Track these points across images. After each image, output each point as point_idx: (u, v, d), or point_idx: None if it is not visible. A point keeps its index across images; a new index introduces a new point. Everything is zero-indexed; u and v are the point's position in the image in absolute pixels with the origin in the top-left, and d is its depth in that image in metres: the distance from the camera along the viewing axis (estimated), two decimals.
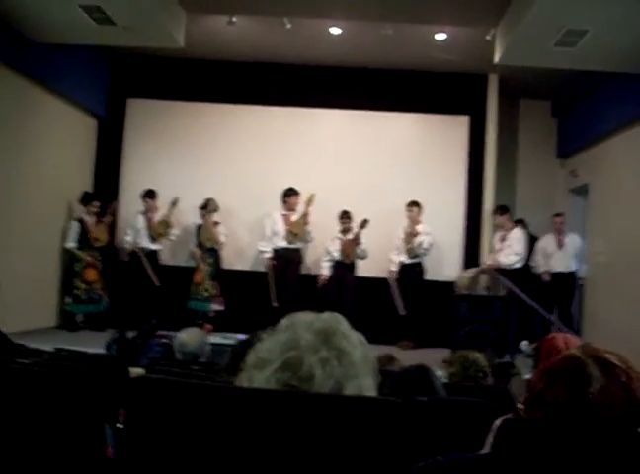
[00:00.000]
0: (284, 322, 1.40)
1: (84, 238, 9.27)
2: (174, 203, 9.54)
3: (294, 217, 9.48)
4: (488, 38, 8.09)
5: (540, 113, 11.06)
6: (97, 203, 9.43)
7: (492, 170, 10.05)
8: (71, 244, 9.23)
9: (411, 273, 9.42)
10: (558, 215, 9.76)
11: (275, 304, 9.31)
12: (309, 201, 9.35)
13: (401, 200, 9.46)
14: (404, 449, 1.25)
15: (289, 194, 9.49)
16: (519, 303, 8.44)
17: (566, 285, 9.50)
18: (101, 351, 6.12)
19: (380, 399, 1.27)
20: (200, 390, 1.29)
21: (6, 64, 7.92)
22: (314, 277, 9.67)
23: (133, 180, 10.14)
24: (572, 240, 9.61)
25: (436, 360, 7.77)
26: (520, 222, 10.42)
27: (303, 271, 9.74)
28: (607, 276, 9.00)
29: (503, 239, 9.40)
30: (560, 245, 9.55)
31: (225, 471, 1.23)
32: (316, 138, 10.24)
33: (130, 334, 6.08)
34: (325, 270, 9.55)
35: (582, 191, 10.33)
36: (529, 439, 1.29)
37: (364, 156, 10.13)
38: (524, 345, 6.19)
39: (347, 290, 9.41)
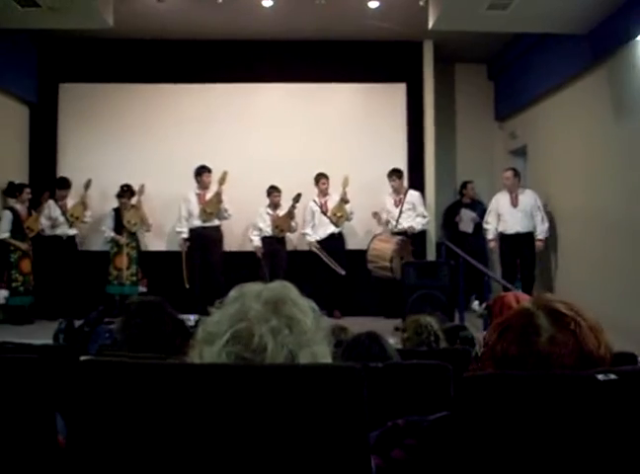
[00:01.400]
0: (232, 293, 1.36)
1: (17, 228, 9.03)
2: (87, 186, 9.53)
3: (208, 196, 9.44)
4: (421, 3, 8.05)
5: (476, 76, 11.13)
6: (28, 190, 9.20)
7: (431, 136, 10.08)
8: (4, 234, 8.96)
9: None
10: (508, 170, 9.35)
11: (187, 286, 9.38)
12: (222, 179, 9.32)
13: (342, 172, 9.44)
14: (364, 416, 1.22)
15: (201, 172, 9.47)
16: (466, 266, 8.54)
17: (525, 247, 9.03)
18: (48, 341, 6.01)
19: (338, 366, 1.25)
20: (149, 370, 1.25)
21: None
22: (243, 254, 9.74)
23: (70, 166, 9.92)
24: (527, 197, 9.13)
25: (386, 329, 7.88)
26: (467, 184, 10.55)
27: (230, 247, 9.77)
28: (551, 234, 9.12)
29: (398, 203, 9.40)
30: (514, 204, 9.10)
31: (181, 451, 1.20)
32: (253, 114, 10.13)
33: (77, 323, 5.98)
34: (256, 243, 9.55)
35: (521, 152, 10.46)
36: (487, 396, 1.28)
37: (303, 129, 10.07)
38: (476, 305, 6.26)
39: (280, 265, 9.46)
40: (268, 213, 9.53)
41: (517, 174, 9.25)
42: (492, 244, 9.42)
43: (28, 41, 9.71)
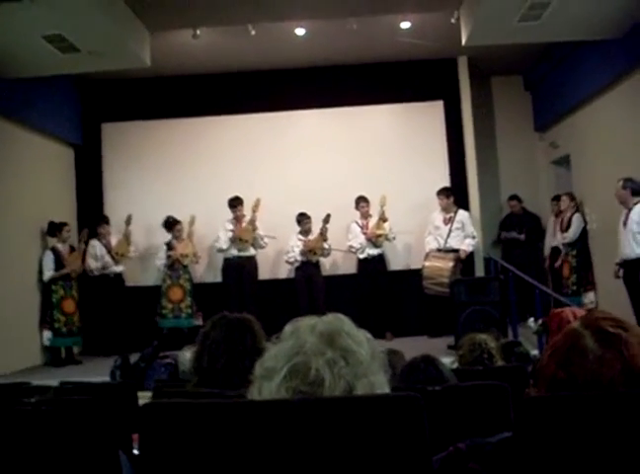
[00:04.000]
0: (288, 328, 1.37)
1: (59, 267, 8.99)
2: (128, 221, 9.59)
3: (243, 225, 9.48)
4: (453, 21, 8.08)
5: (513, 89, 11.08)
6: (68, 227, 9.22)
7: (472, 151, 10.05)
8: (49, 273, 8.93)
9: None
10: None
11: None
12: (255, 206, 9.33)
13: (382, 192, 9.39)
14: (426, 443, 1.22)
15: (234, 203, 9.52)
16: (516, 281, 8.45)
17: None
18: (105, 379, 6.10)
19: (397, 395, 1.25)
20: (210, 409, 1.26)
21: None
22: (276, 282, 9.84)
23: (116, 204, 10.11)
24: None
25: (440, 347, 7.84)
26: (514, 198, 10.50)
27: (263, 276, 9.81)
28: (602, 242, 8.99)
29: (448, 222, 9.33)
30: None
31: None
32: (291, 141, 10.22)
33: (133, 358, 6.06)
34: (291, 260, 9.57)
35: (564, 161, 10.36)
36: (549, 418, 1.27)
37: (341, 153, 10.13)
38: (531, 322, 6.19)
39: (318, 291, 9.45)
40: (300, 239, 9.53)
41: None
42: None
43: (70, 85, 9.96)
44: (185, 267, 9.62)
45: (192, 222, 9.65)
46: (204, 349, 2.59)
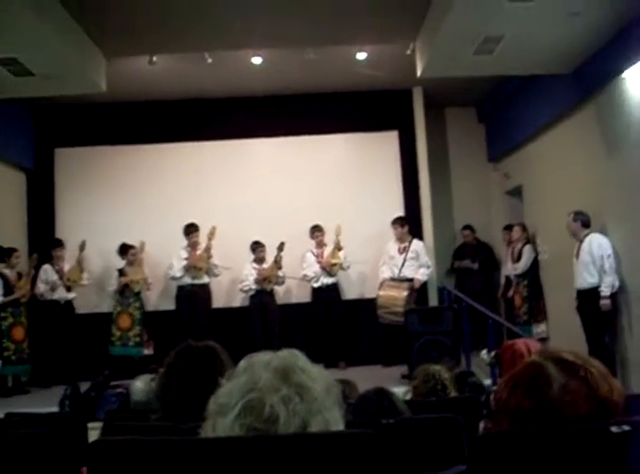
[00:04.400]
0: (242, 364, 1.36)
1: (8, 293, 8.72)
2: (82, 247, 9.48)
3: (198, 252, 9.44)
4: (408, 52, 8.18)
5: (467, 120, 11.26)
6: (17, 253, 8.98)
7: (426, 180, 10.14)
8: None
9: None
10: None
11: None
12: (211, 234, 9.33)
13: (337, 223, 9.46)
14: None
15: (190, 230, 9.50)
16: (470, 310, 8.53)
17: None
18: (54, 409, 5.98)
19: (351, 432, 1.25)
20: (162, 446, 1.25)
21: None
22: (230, 310, 9.83)
23: (68, 228, 9.99)
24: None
25: (392, 376, 7.86)
26: (467, 228, 10.62)
27: (217, 304, 9.78)
28: (553, 273, 9.13)
29: (402, 251, 9.40)
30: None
31: None
32: (246, 169, 10.23)
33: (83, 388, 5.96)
34: (245, 288, 9.58)
35: (516, 192, 10.52)
36: (503, 454, 1.28)
37: (297, 181, 10.18)
38: (484, 353, 6.25)
39: (272, 319, 9.46)
40: (254, 268, 9.51)
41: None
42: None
43: (23, 109, 9.85)
44: (136, 294, 9.51)
45: (142, 248, 9.58)
46: (171, 379, 2.47)
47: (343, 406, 1.39)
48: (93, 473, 1.27)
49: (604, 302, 7.37)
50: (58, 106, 9.83)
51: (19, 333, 8.83)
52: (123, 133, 10.22)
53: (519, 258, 9.61)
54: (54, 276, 9.34)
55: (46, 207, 10.15)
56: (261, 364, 1.33)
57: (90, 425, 3.79)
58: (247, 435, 1.24)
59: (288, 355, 1.36)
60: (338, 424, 1.33)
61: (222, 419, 1.29)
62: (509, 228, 10.09)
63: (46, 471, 2.34)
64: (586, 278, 7.57)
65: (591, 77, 7.68)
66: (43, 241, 9.83)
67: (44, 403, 7.01)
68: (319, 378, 1.34)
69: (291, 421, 1.26)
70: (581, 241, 7.73)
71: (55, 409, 5.97)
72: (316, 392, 1.31)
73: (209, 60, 8.38)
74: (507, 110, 10.21)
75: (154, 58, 8.34)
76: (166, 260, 9.69)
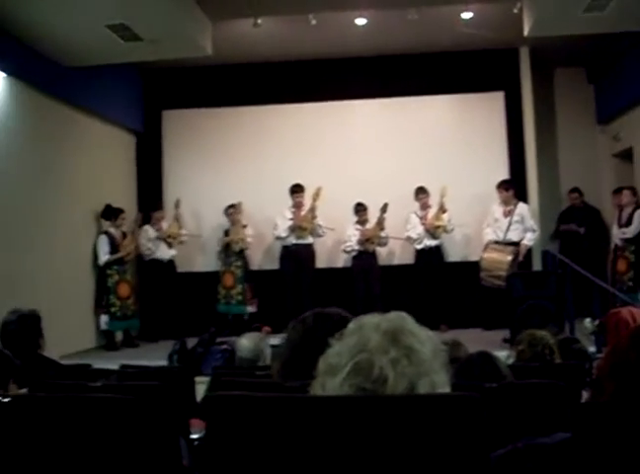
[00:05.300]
0: (351, 325, 1.40)
1: (114, 252, 9.06)
2: (177, 204, 9.74)
3: (302, 213, 9.49)
4: (515, 10, 7.97)
5: (576, 80, 10.87)
6: (123, 215, 9.27)
7: (532, 143, 9.92)
8: (105, 257, 9.01)
9: None
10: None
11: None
12: (316, 194, 9.34)
13: (441, 185, 9.37)
14: (484, 443, 1.24)
15: (295, 190, 9.54)
16: (574, 275, 8.34)
17: None
18: (162, 363, 6.22)
19: (458, 395, 1.27)
20: (275, 403, 1.30)
21: (41, 91, 8.04)
22: (333, 271, 9.85)
23: (176, 191, 10.24)
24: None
25: (494, 340, 7.79)
26: (575, 191, 10.33)
27: (320, 264, 9.82)
28: None
29: (507, 215, 9.21)
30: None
31: None
32: (350, 131, 10.22)
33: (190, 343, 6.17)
34: (348, 249, 9.59)
35: (626, 154, 10.16)
36: (610, 422, 1.27)
37: (400, 143, 10.09)
38: (587, 322, 6.12)
39: (374, 280, 9.45)
40: (357, 229, 9.52)
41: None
42: None
43: (133, 73, 10.12)
44: (239, 253, 9.71)
45: (239, 209, 9.73)
46: (308, 344, 2.16)
47: (450, 369, 1.41)
48: (210, 426, 1.33)
49: None
50: (166, 69, 10.05)
51: (124, 290, 9.16)
52: (229, 95, 10.36)
53: (628, 223, 9.29)
54: (154, 235, 9.63)
55: (155, 168, 10.46)
56: (370, 326, 1.36)
57: (197, 379, 3.93)
58: (356, 395, 1.28)
59: (397, 318, 1.39)
60: (444, 386, 1.36)
61: (332, 378, 1.33)
62: (618, 192, 9.75)
63: (158, 422, 2.45)
64: None
65: None
66: (150, 202, 10.16)
67: (153, 356, 7.31)
68: (427, 341, 1.37)
69: (399, 382, 1.29)
70: None
71: (164, 363, 6.19)
72: (424, 355, 1.33)
73: (313, 22, 8.38)
74: (618, 69, 9.82)
75: (259, 21, 8.40)
76: (269, 221, 9.82)
